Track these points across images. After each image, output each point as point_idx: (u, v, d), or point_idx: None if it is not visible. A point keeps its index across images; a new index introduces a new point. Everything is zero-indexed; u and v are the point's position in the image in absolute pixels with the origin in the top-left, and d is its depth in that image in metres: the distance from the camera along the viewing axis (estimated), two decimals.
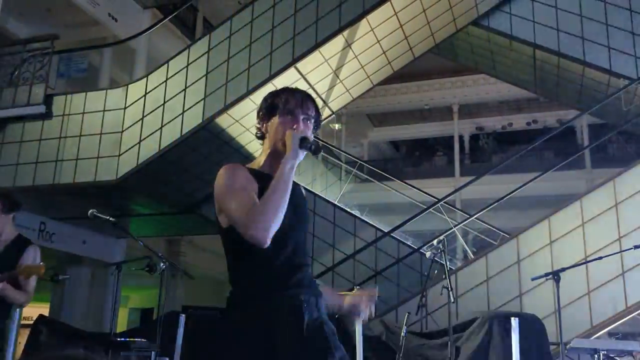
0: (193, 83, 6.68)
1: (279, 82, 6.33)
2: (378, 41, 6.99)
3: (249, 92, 6.38)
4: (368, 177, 11.09)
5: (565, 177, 12.46)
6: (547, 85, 8.66)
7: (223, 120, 6.64)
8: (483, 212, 7.12)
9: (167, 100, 6.72)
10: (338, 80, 7.34)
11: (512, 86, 9.96)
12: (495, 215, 10.25)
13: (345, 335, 4.88)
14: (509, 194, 6.92)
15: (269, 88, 6.64)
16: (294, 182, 1.80)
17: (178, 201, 8.00)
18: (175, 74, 6.80)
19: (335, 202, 8.19)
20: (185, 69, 6.74)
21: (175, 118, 6.64)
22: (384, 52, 7.26)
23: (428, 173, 16.49)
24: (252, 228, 1.65)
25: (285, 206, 1.71)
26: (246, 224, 1.66)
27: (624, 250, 4.89)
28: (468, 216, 7.46)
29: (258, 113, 1.96)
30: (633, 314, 5.67)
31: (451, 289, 4.36)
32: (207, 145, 6.91)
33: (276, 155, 1.86)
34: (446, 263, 4.61)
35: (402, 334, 4.63)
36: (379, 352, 4.82)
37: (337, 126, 15.34)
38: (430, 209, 7.40)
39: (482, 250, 6.79)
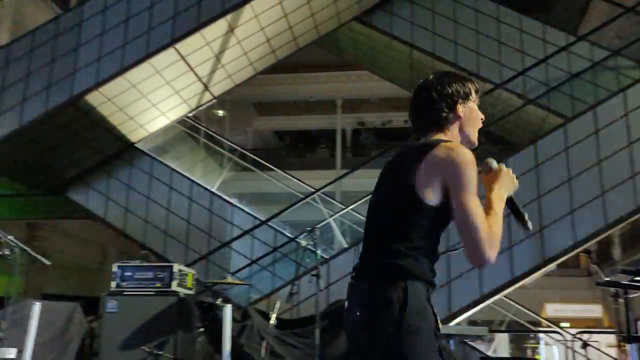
0: (63, 55, 6.26)
1: (156, 62, 6.11)
2: (262, 28, 6.95)
3: (123, 70, 6.09)
4: (250, 166, 11.02)
5: None
6: None
7: (94, 98, 6.29)
8: (358, 203, 7.34)
9: (32, 72, 6.25)
10: (220, 65, 7.21)
11: (392, 84, 10.31)
12: None
13: (215, 322, 4.84)
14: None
15: (146, 67, 6.39)
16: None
17: (42, 182, 7.48)
18: (43, 43, 6.33)
19: (214, 190, 8.06)
20: (54, 39, 6.29)
21: (41, 91, 6.19)
22: (267, 40, 7.23)
23: (310, 165, 16.69)
24: (492, 251, 1.66)
25: None
26: (490, 244, 1.66)
27: None
28: (344, 207, 7.66)
29: (444, 97, 1.86)
30: (487, 302, 6.12)
31: (320, 277, 4.45)
32: (76, 123, 6.52)
33: (468, 144, 1.85)
34: (318, 252, 4.69)
35: (271, 321, 4.66)
36: (249, 339, 4.81)
37: (220, 112, 15.10)
38: (308, 199, 7.51)
39: (357, 240, 7.00)
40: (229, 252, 7.20)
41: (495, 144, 14.68)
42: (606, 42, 8.61)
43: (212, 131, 10.64)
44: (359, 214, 8.55)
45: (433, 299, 1.79)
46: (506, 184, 1.87)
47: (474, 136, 1.89)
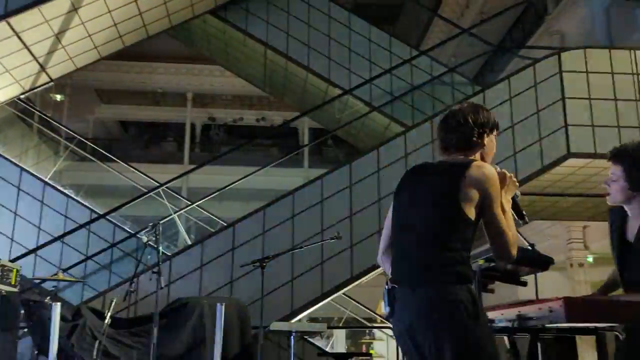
0: None
1: None
2: (109, 11, 6.55)
3: None
4: (89, 156, 10.34)
5: (286, 174, 13.35)
6: (275, 85, 9.16)
7: None
8: (205, 200, 7.20)
9: None
10: (60, 46, 6.67)
11: (245, 81, 10.28)
12: (220, 204, 10.49)
13: (42, 322, 4.46)
14: (231, 184, 7.12)
15: None
16: None
17: None
18: None
19: (47, 179, 7.43)
20: None
21: None
22: (115, 24, 6.83)
23: (156, 158, 16.11)
24: (515, 249, 2.04)
25: None
26: (513, 244, 2.03)
27: (324, 241, 5.38)
28: (190, 203, 7.47)
29: (477, 125, 2.16)
30: (327, 300, 6.32)
31: (161, 274, 4.29)
32: None
33: None
34: (159, 249, 4.52)
35: (106, 320, 4.40)
36: (81, 340, 4.50)
37: (58, 97, 14.00)
38: (152, 194, 7.21)
39: (201, 237, 6.86)
40: (61, 247, 6.68)
41: (341, 147, 15.28)
42: (445, 59, 9.35)
43: (48, 116, 9.82)
44: (206, 210, 8.41)
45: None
46: (510, 188, 2.18)
47: (489, 161, 2.21)
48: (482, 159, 2.20)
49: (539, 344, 2.53)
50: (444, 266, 2.01)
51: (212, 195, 7.04)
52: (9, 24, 5.78)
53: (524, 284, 2.66)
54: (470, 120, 2.16)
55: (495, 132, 2.23)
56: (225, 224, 6.80)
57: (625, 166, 2.56)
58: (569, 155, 6.15)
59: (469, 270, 2.04)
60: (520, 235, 2.85)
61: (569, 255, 10.17)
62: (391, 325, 2.23)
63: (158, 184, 7.36)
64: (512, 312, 2.57)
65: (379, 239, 2.37)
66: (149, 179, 9.20)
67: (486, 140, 2.20)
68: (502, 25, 11.79)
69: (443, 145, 2.24)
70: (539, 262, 2.53)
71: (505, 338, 2.71)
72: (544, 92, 6.39)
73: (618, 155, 2.61)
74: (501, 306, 2.72)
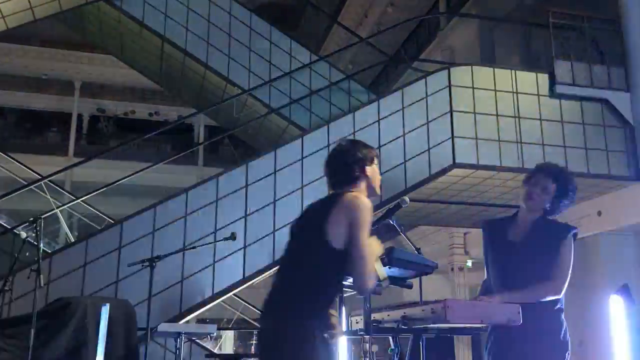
0: None
1: None
2: None
3: None
4: None
5: (179, 171, 13.05)
6: (171, 79, 8.94)
7: None
8: (91, 195, 6.86)
9: None
10: None
11: (139, 74, 9.92)
12: (107, 201, 10.04)
13: None
14: (120, 179, 6.84)
15: None
16: None
17: None
18: None
19: None
20: None
21: None
22: None
23: (38, 149, 15.15)
24: (369, 283, 2.14)
25: None
26: (370, 275, 2.13)
27: (217, 242, 5.32)
28: (74, 198, 7.09)
29: (357, 161, 2.36)
30: (218, 301, 6.25)
31: (40, 272, 4.05)
32: None
33: (374, 195, 2.38)
34: (40, 245, 4.26)
35: None
36: None
37: None
38: (32, 187, 6.77)
39: (85, 234, 6.53)
40: None
41: (238, 147, 15.16)
42: (342, 66, 9.57)
43: None
44: (91, 206, 8.02)
45: None
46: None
47: (378, 189, 2.41)
48: (370, 187, 2.41)
49: (421, 344, 2.67)
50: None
51: (99, 191, 6.73)
52: None
53: (410, 286, 2.79)
54: (350, 159, 2.39)
55: (375, 162, 2.45)
56: (112, 221, 6.52)
57: (559, 186, 2.93)
58: (454, 165, 6.51)
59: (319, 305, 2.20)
60: (408, 239, 3.00)
61: (451, 259, 10.75)
62: None
63: (40, 177, 6.93)
64: (398, 314, 2.70)
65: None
66: (29, 170, 8.64)
67: (369, 171, 2.40)
68: (398, 36, 12.26)
69: (330, 182, 2.45)
70: (424, 266, 2.67)
71: (390, 338, 2.83)
72: (434, 104, 6.71)
73: (553, 173, 2.97)
74: (387, 307, 2.84)
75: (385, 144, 6.54)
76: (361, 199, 2.23)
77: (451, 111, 6.67)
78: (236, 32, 7.78)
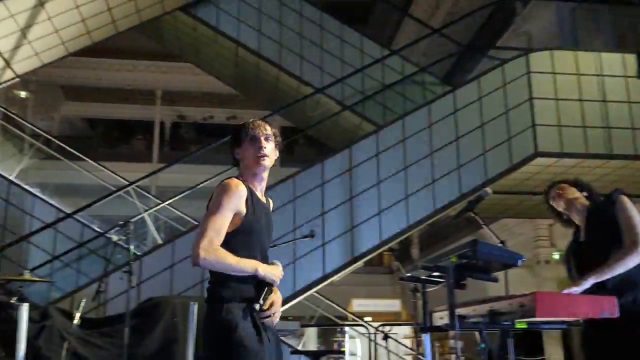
0: None
1: None
2: (77, 7, 6.43)
3: None
4: (55, 154, 10.12)
5: None
6: (246, 83, 9.12)
7: None
8: (175, 199, 7.12)
9: None
10: (26, 41, 6.52)
11: (216, 80, 10.20)
12: (190, 203, 10.38)
13: (9, 323, 4.36)
14: (202, 182, 7.07)
15: None
16: (266, 196, 2.44)
17: None
18: None
19: (12, 178, 7.26)
20: None
21: None
22: (83, 20, 6.71)
23: (125, 156, 15.88)
24: (197, 253, 2.10)
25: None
26: (204, 247, 2.10)
27: (296, 239, 5.38)
28: (160, 202, 7.38)
29: (232, 147, 2.37)
30: (299, 298, 6.32)
31: (132, 273, 4.24)
32: None
33: (254, 168, 2.34)
34: (130, 248, 4.46)
35: (75, 321, 4.33)
36: (48, 341, 4.42)
37: (23, 94, 13.68)
38: (121, 192, 7.10)
39: (172, 236, 6.78)
40: (27, 246, 6.54)
41: (313, 146, 15.28)
42: (415, 59, 9.42)
43: (13, 113, 9.59)
44: (175, 209, 8.32)
45: None
46: (271, 273, 2.27)
47: (253, 162, 2.32)
48: (245, 167, 2.36)
49: (509, 339, 2.58)
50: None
51: (182, 194, 6.97)
52: None
53: (495, 280, 2.71)
54: (230, 146, 2.40)
55: (243, 138, 2.34)
56: (196, 223, 6.73)
57: (573, 184, 3.22)
58: (537, 154, 6.27)
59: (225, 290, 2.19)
60: (491, 232, 2.91)
61: (536, 252, 10.37)
62: (362, 323, 2.36)
63: (127, 183, 7.26)
64: (484, 308, 2.62)
65: None
66: (117, 177, 9.07)
67: (237, 153, 2.37)
68: (471, 25, 11.95)
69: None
70: (510, 258, 2.58)
71: (477, 333, 2.76)
72: (513, 92, 6.49)
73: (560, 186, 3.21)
74: (473, 302, 2.77)
75: (462, 136, 6.39)
76: (227, 182, 2.24)
77: (531, 98, 6.43)
78: (307, 31, 7.84)
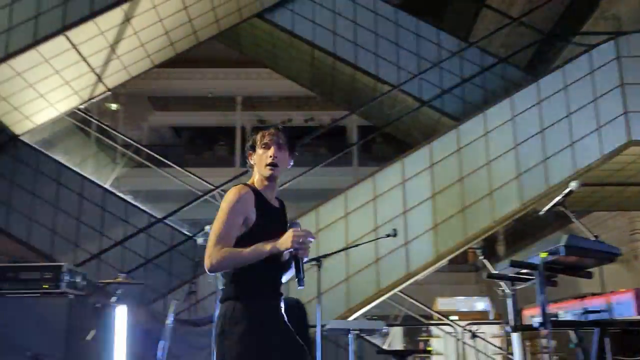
0: None
1: (45, 49, 5.73)
2: (160, 20, 6.72)
3: (8, 57, 5.66)
4: (145, 162, 10.62)
5: (336, 173, 13.35)
6: (323, 84, 9.19)
7: None
8: None
9: None
10: (115, 56, 6.88)
11: (293, 83, 10.34)
12: None
13: (108, 324, 4.62)
14: (282, 184, 7.18)
15: (33, 55, 5.97)
16: (280, 200, 2.47)
17: None
18: None
19: (106, 186, 7.69)
20: None
21: None
22: (166, 33, 7.01)
23: (209, 162, 16.41)
24: (208, 262, 2.16)
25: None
26: (209, 254, 2.17)
27: (378, 238, 5.36)
28: None
29: (246, 152, 2.46)
30: (383, 297, 6.30)
31: None
32: None
33: (264, 176, 2.38)
34: None
35: (167, 322, 4.51)
36: (144, 341, 4.64)
37: (114, 106, 14.45)
38: (207, 197, 7.36)
39: None
40: (122, 251, 6.90)
41: (391, 144, 15.17)
42: (494, 50, 9.15)
43: (106, 125, 10.15)
44: None
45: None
46: (283, 241, 2.21)
47: (263, 172, 2.37)
48: (257, 172, 2.42)
49: (605, 338, 2.46)
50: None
51: None
52: (67, 37, 6.01)
53: (590, 275, 2.59)
54: (247, 151, 2.48)
55: (258, 145, 2.41)
56: None
57: None
58: (631, 142, 5.94)
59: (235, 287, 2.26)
60: (583, 226, 2.79)
61: (632, 246, 9.80)
62: (449, 323, 2.27)
63: (213, 187, 7.51)
64: (578, 306, 2.51)
65: None
66: (203, 182, 9.40)
67: (252, 159, 2.43)
68: (553, 12, 11.45)
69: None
70: (606, 253, 2.46)
71: (572, 332, 2.65)
72: (601, 79, 6.18)
73: None
74: (565, 300, 2.66)
75: (548, 127, 6.15)
76: (232, 190, 2.31)
77: (622, 84, 6.09)
78: (382, 29, 7.80)
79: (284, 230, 2.26)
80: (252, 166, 2.43)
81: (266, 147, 2.37)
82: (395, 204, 6.22)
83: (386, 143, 15.74)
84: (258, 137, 2.41)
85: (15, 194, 7.03)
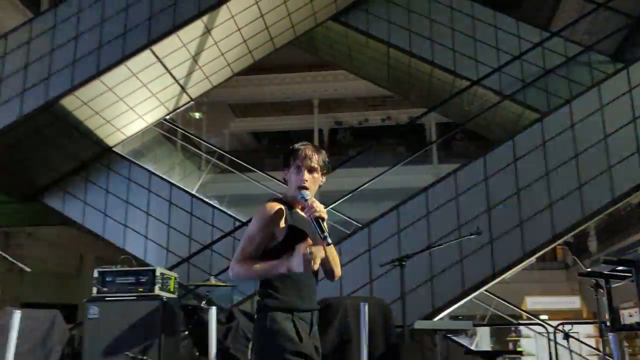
0: (37, 59, 6.16)
1: (133, 64, 6.04)
2: (239, 29, 6.92)
3: (99, 73, 6.01)
4: (228, 168, 10.96)
5: (415, 171, 13.22)
6: (400, 83, 9.13)
7: (69, 102, 6.20)
8: (338, 203, 7.34)
9: (5, 78, 6.14)
10: (197, 67, 7.16)
11: (369, 83, 10.34)
12: (351, 206, 10.63)
13: (200, 325, 4.80)
14: (362, 185, 7.21)
15: (122, 70, 6.31)
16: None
17: (17, 188, 7.35)
18: (15, 48, 6.22)
19: (193, 192, 8.00)
20: (27, 44, 6.19)
21: (15, 96, 6.08)
22: (244, 41, 7.20)
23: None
24: (230, 272, 2.38)
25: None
26: (231, 266, 2.37)
27: (462, 237, 5.27)
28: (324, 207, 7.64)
29: (283, 168, 2.56)
30: (469, 297, 6.17)
31: None
32: (51, 128, 6.41)
33: (295, 194, 2.47)
34: None
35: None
36: (235, 341, 4.79)
37: (197, 115, 15.00)
38: None
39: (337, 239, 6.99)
40: (210, 254, 7.15)
41: (472, 140, 14.84)
42: (578, 38, 8.76)
43: (190, 133, 10.55)
44: (339, 212, 8.57)
45: None
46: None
47: (294, 189, 2.47)
48: (290, 191, 2.52)
49: None
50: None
51: (344, 198, 7.16)
52: (152, 51, 6.31)
53: None
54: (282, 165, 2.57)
55: (292, 164, 2.50)
56: (360, 225, 6.88)
57: None
58: None
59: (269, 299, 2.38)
60: None
61: None
62: (540, 322, 2.19)
63: None
64: None
65: None
66: (284, 186, 9.56)
67: (286, 175, 2.54)
68: None
69: None
70: None
71: None
72: None
73: None
74: None
75: None
76: (263, 206, 2.44)
77: None
78: (458, 23, 7.66)
79: (316, 241, 2.42)
80: (285, 181, 2.57)
81: (298, 169, 2.48)
82: (478, 202, 6.08)
83: (467, 139, 15.42)
84: (291, 158, 2.53)
85: (110, 202, 7.45)
